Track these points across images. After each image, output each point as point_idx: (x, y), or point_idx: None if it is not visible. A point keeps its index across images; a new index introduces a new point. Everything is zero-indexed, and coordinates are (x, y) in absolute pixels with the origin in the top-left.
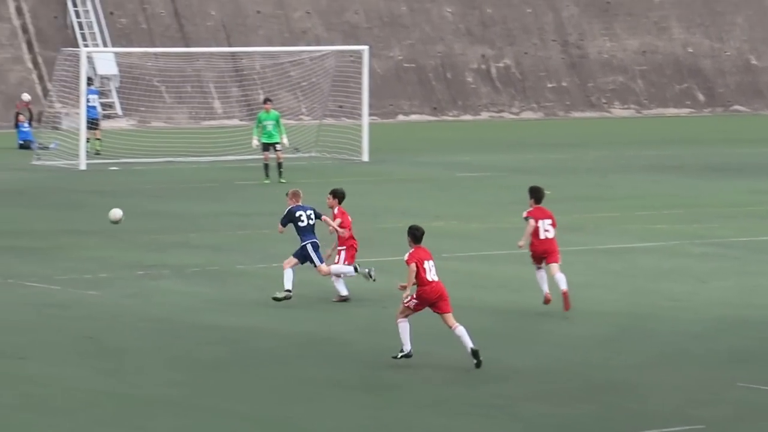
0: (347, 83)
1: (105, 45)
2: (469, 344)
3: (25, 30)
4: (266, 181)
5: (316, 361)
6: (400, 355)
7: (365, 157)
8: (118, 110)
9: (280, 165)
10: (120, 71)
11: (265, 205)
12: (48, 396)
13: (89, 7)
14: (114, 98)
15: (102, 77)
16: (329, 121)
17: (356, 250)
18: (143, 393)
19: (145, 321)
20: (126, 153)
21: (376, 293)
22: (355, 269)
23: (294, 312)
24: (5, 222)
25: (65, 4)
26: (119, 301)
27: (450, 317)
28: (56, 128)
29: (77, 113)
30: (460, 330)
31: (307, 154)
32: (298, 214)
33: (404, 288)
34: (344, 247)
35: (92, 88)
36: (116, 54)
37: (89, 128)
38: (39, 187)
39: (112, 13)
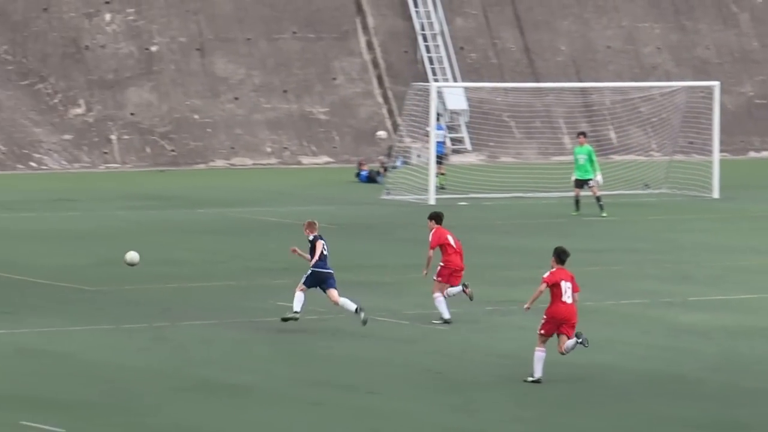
0: (698, 119)
1: (455, 80)
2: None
3: (375, 64)
4: (573, 213)
5: (666, 399)
6: (530, 379)
7: (715, 194)
8: (468, 145)
9: (598, 199)
10: (469, 106)
11: (615, 242)
12: (396, 431)
13: (439, 42)
14: (463, 133)
15: (452, 112)
16: (679, 157)
17: (453, 272)
18: (490, 429)
19: (493, 356)
20: (475, 188)
21: (724, 330)
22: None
23: (640, 349)
24: (355, 256)
25: (415, 39)
26: (467, 336)
27: (563, 339)
28: (406, 163)
29: (426, 148)
30: (567, 344)
31: (657, 191)
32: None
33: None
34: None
35: (440, 124)
36: (466, 89)
37: (436, 163)
38: (388, 221)
39: (462, 48)
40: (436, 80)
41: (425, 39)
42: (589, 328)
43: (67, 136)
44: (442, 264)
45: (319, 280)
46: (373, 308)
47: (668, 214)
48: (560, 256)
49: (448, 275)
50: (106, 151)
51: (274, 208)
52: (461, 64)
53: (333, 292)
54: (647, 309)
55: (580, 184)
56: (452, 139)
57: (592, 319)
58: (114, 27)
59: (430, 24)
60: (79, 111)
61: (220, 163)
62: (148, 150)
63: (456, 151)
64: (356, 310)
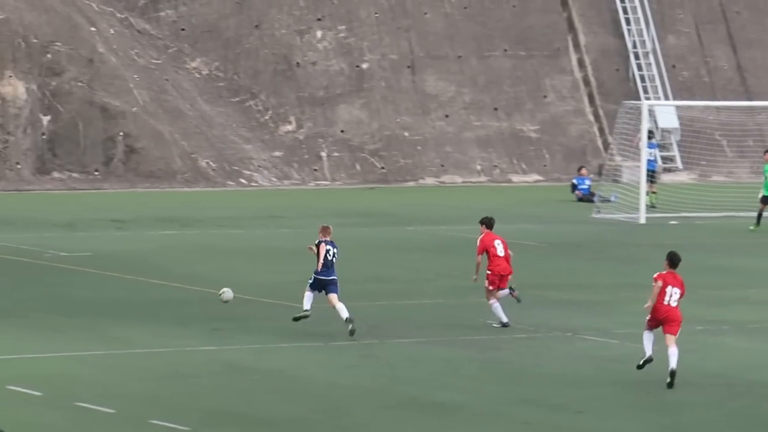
0: None
1: (666, 98)
2: (672, 365)
3: (586, 82)
4: (751, 228)
5: None
6: (642, 362)
7: None
8: (679, 163)
9: None
10: (681, 124)
11: None
12: None
13: (651, 60)
14: (674, 151)
15: (663, 130)
16: None
17: (501, 277)
18: None
19: (703, 377)
20: (685, 207)
21: None
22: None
23: None
24: (564, 275)
25: (627, 57)
26: (680, 355)
27: (669, 338)
28: (616, 181)
29: (637, 166)
30: (672, 350)
31: None
32: (327, 248)
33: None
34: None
35: (652, 141)
36: (677, 107)
37: (647, 181)
38: (598, 240)
39: (674, 66)
40: (647, 98)
41: (637, 57)
42: None
43: (277, 153)
44: (489, 270)
45: (320, 286)
46: (582, 327)
47: None
48: (672, 260)
49: (497, 281)
50: (316, 168)
51: None
52: (673, 82)
53: (332, 297)
54: None
55: (766, 200)
56: (663, 158)
57: None
58: (325, 44)
59: (642, 42)
60: (289, 128)
61: (429, 180)
62: (357, 167)
63: (667, 170)
64: (346, 319)
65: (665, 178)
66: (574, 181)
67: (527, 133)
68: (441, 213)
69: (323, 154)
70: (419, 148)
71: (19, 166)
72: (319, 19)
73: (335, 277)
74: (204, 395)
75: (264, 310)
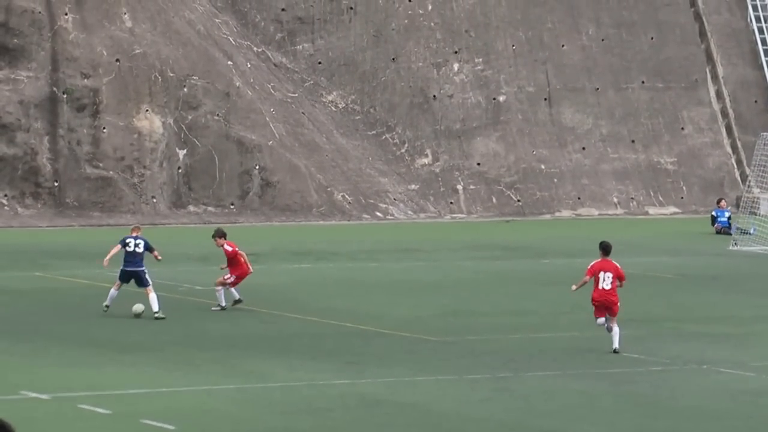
0: None
1: None
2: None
3: (724, 114)
4: None
5: None
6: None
7: None
8: None
9: None
10: None
11: None
12: None
13: None
14: None
15: None
16: None
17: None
18: None
19: None
20: None
21: None
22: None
23: None
24: (700, 307)
25: (766, 88)
26: None
27: (612, 319)
28: (754, 213)
29: None
30: (615, 330)
31: None
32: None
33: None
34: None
35: None
36: None
37: None
38: (735, 272)
39: None
40: None
41: None
42: None
43: (413, 186)
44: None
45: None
46: (718, 360)
47: None
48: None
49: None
50: (452, 201)
51: (619, 259)
52: None
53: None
54: None
55: None
56: None
57: None
58: (462, 77)
59: None
60: (425, 161)
61: (565, 213)
62: (494, 200)
63: None
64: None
65: None
66: (714, 213)
67: (664, 166)
68: (577, 246)
69: (459, 187)
70: (555, 180)
71: (155, 200)
72: (456, 52)
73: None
74: (337, 429)
75: (400, 343)
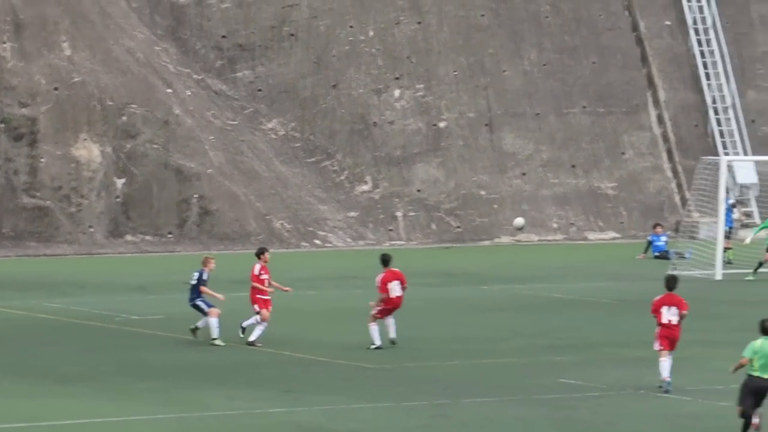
0: None
1: (745, 153)
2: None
3: (665, 138)
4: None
5: None
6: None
7: None
8: (757, 219)
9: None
10: (759, 180)
11: None
12: None
13: (731, 115)
14: (753, 207)
15: (741, 186)
16: None
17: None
18: None
19: None
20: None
21: None
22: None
23: None
24: (638, 332)
25: (706, 113)
26: None
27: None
28: (693, 238)
29: (714, 222)
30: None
31: None
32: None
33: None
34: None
35: (728, 197)
36: (756, 162)
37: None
38: None
39: (753, 121)
40: (726, 154)
41: (716, 112)
42: None
43: (352, 213)
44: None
45: None
46: (656, 385)
47: None
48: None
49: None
50: (391, 228)
51: (558, 285)
52: (752, 137)
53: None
54: None
55: None
56: (743, 213)
57: None
58: (403, 103)
59: (722, 97)
60: (365, 188)
61: (505, 239)
62: (433, 226)
63: (745, 226)
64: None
65: (744, 234)
66: (650, 238)
67: (605, 191)
68: (517, 272)
69: (399, 213)
70: (495, 206)
71: (92, 230)
72: (396, 78)
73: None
74: None
75: (338, 370)
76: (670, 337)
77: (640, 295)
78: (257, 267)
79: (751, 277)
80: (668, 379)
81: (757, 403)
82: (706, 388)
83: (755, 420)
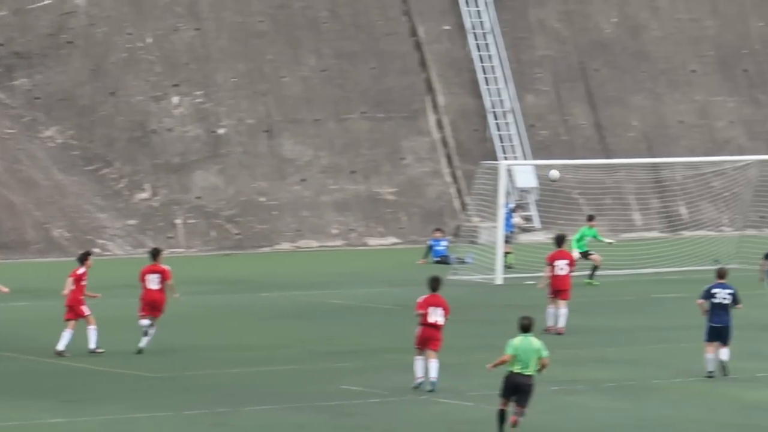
0: None
1: (525, 157)
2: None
3: (444, 143)
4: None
5: None
6: None
7: None
8: (536, 223)
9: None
10: (539, 184)
11: (684, 318)
12: None
13: (510, 119)
14: (532, 211)
15: (521, 190)
16: (751, 231)
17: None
18: None
19: None
20: (543, 266)
21: None
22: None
23: (709, 427)
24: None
25: (485, 117)
26: (532, 416)
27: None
28: (473, 242)
29: (494, 227)
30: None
31: (727, 266)
32: None
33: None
34: None
35: (507, 202)
36: (536, 166)
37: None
38: (454, 302)
39: (532, 126)
40: (505, 158)
41: (495, 117)
42: (657, 405)
43: (131, 221)
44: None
45: None
46: (437, 390)
47: (740, 290)
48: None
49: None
50: (170, 235)
51: (339, 291)
52: (532, 141)
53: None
54: (714, 386)
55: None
56: (523, 218)
57: (660, 396)
58: (181, 110)
59: (501, 102)
60: (144, 195)
61: (285, 245)
62: (213, 234)
63: (525, 230)
64: None
65: (524, 238)
66: (430, 243)
67: (384, 196)
68: (297, 278)
69: (178, 221)
70: (275, 213)
71: None
72: (175, 85)
73: None
74: None
75: (118, 380)
76: (432, 337)
77: None
78: (81, 270)
79: (594, 282)
80: (422, 379)
81: (518, 400)
82: (487, 393)
83: (514, 417)
